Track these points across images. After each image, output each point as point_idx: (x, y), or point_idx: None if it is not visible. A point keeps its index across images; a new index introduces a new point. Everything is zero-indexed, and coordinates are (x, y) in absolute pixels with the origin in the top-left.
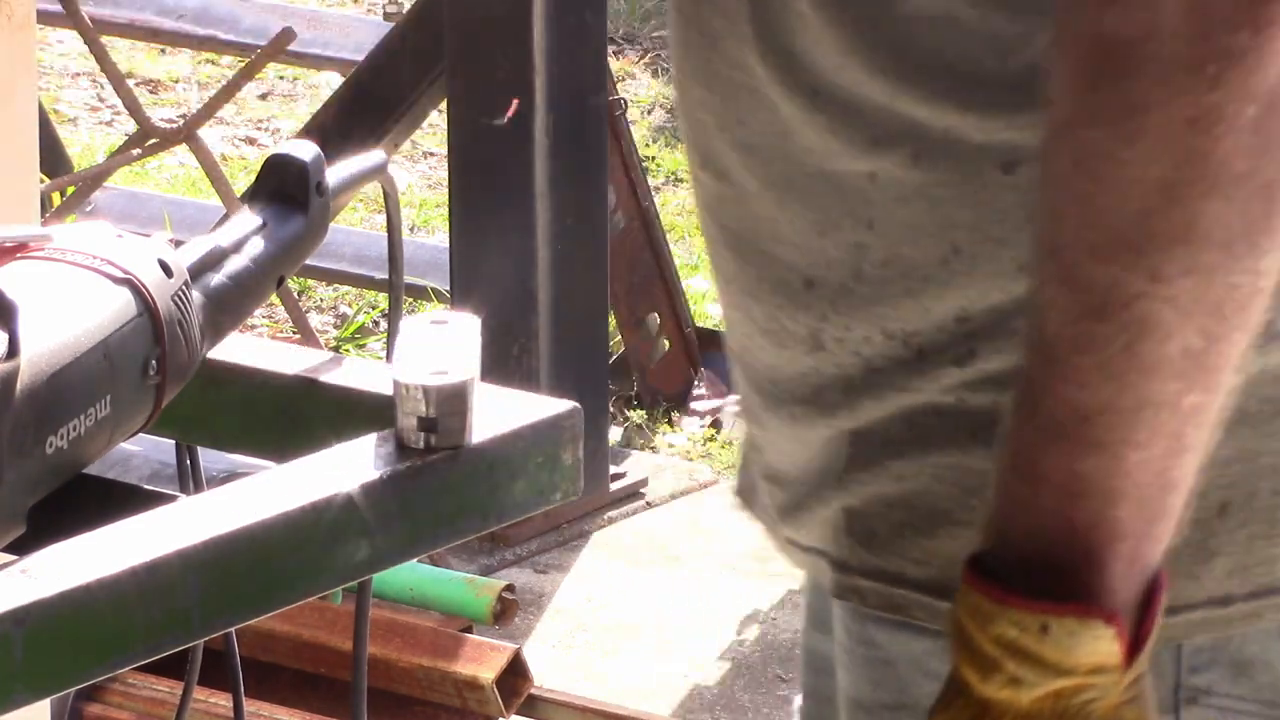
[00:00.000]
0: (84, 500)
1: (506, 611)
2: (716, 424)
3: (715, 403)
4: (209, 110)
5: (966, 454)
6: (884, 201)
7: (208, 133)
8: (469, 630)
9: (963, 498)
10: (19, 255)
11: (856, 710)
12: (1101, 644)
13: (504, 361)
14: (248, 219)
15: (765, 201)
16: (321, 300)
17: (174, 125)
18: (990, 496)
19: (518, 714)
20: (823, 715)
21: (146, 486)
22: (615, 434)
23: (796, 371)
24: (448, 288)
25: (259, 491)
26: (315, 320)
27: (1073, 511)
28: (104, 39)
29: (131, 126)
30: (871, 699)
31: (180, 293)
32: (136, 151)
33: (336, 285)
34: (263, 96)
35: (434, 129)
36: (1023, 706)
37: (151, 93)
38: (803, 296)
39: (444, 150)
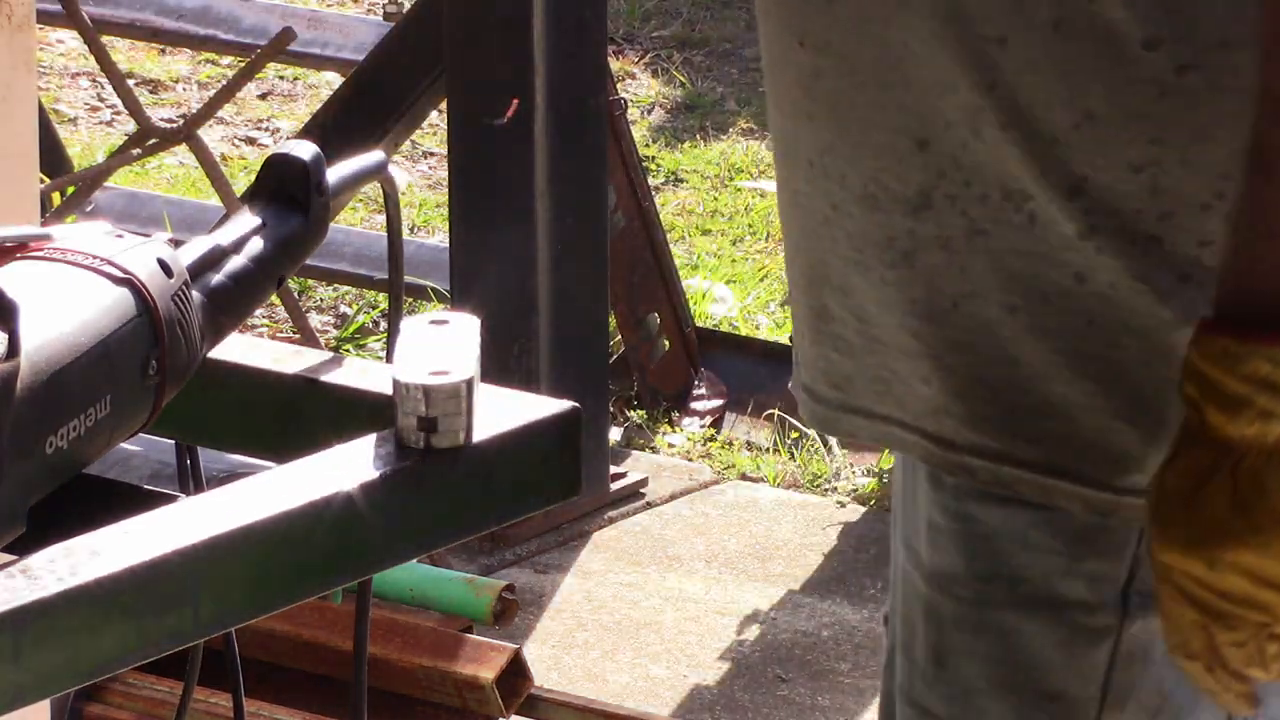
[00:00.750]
0: (84, 500)
1: (506, 611)
2: (716, 424)
3: (715, 403)
4: (209, 110)
5: (1082, 338)
6: (1013, 68)
7: (208, 133)
8: (469, 630)
9: (1075, 380)
10: (19, 255)
11: (949, 583)
12: None
13: (504, 361)
14: (248, 219)
15: (878, 68)
16: (321, 300)
17: (174, 125)
18: (1224, 263)
19: (518, 714)
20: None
21: (146, 486)
22: (615, 434)
23: (885, 235)
24: (448, 288)
25: (259, 491)
26: (315, 320)
27: None
28: (104, 39)
29: (131, 126)
30: (966, 571)
31: (180, 293)
32: (136, 151)
33: (336, 285)
34: (263, 96)
35: (434, 129)
36: (1269, 442)
37: (151, 93)
38: (916, 157)
39: (444, 150)
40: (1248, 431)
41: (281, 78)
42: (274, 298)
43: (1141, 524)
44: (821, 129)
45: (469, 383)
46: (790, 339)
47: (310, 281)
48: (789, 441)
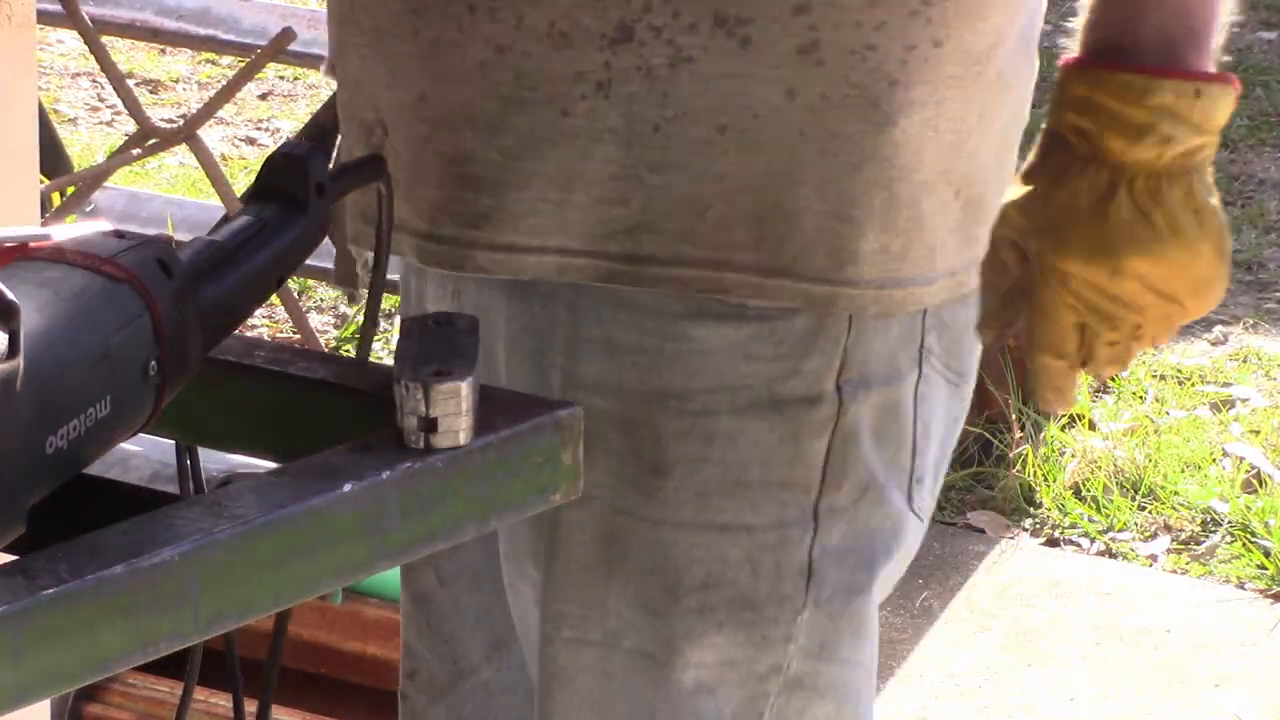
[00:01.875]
0: (84, 500)
1: None
2: None
3: None
4: (209, 110)
5: (793, 149)
6: None
7: (208, 133)
8: None
9: (789, 187)
10: (19, 255)
11: (664, 398)
12: (1227, 107)
13: None
14: (248, 219)
15: None
16: (321, 300)
17: (174, 125)
18: (1101, 12)
19: None
20: None
21: (146, 486)
22: None
23: (574, 71)
24: None
25: (259, 491)
26: (315, 320)
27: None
28: (104, 39)
29: (131, 126)
30: (687, 386)
31: (180, 293)
32: (136, 151)
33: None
34: (263, 96)
35: None
36: (1162, 163)
37: (151, 93)
38: None
39: None
40: (1146, 155)
41: (281, 78)
42: (274, 298)
43: (852, 312)
44: None
45: (469, 383)
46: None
47: (310, 281)
48: None
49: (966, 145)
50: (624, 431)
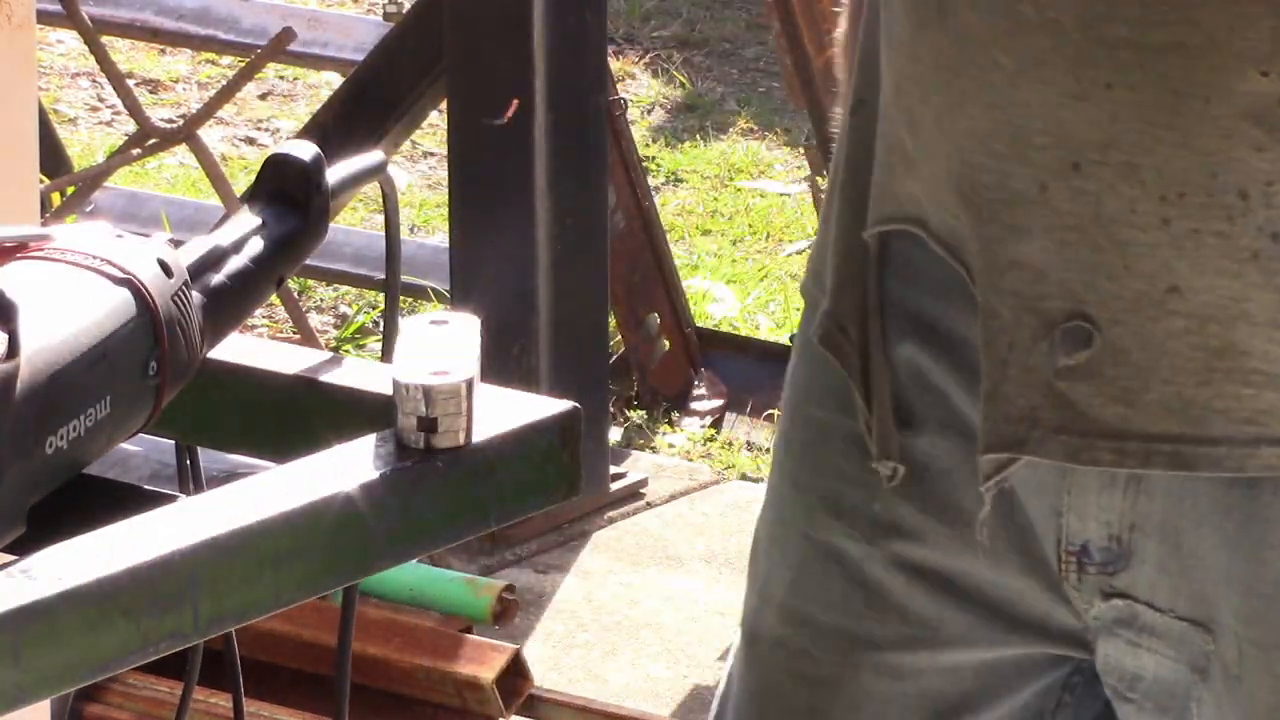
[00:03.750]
0: (84, 500)
1: (506, 611)
2: (716, 424)
3: (715, 403)
4: (209, 110)
5: None
6: None
7: (208, 133)
8: (469, 630)
9: None
10: (19, 255)
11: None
12: None
13: (504, 361)
14: (248, 219)
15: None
16: (321, 300)
17: (174, 125)
18: None
19: (518, 714)
20: None
21: (146, 486)
22: (615, 434)
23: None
24: (448, 288)
25: (259, 491)
26: (315, 320)
27: None
28: (104, 39)
29: (131, 126)
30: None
31: (180, 293)
32: (136, 151)
33: (336, 285)
34: (263, 96)
35: (434, 129)
36: None
37: (151, 93)
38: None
39: (444, 150)
40: None
41: (281, 78)
42: (274, 298)
43: None
44: (1277, 158)
45: (469, 383)
46: (989, 361)
47: (310, 281)
48: None
49: None
50: None
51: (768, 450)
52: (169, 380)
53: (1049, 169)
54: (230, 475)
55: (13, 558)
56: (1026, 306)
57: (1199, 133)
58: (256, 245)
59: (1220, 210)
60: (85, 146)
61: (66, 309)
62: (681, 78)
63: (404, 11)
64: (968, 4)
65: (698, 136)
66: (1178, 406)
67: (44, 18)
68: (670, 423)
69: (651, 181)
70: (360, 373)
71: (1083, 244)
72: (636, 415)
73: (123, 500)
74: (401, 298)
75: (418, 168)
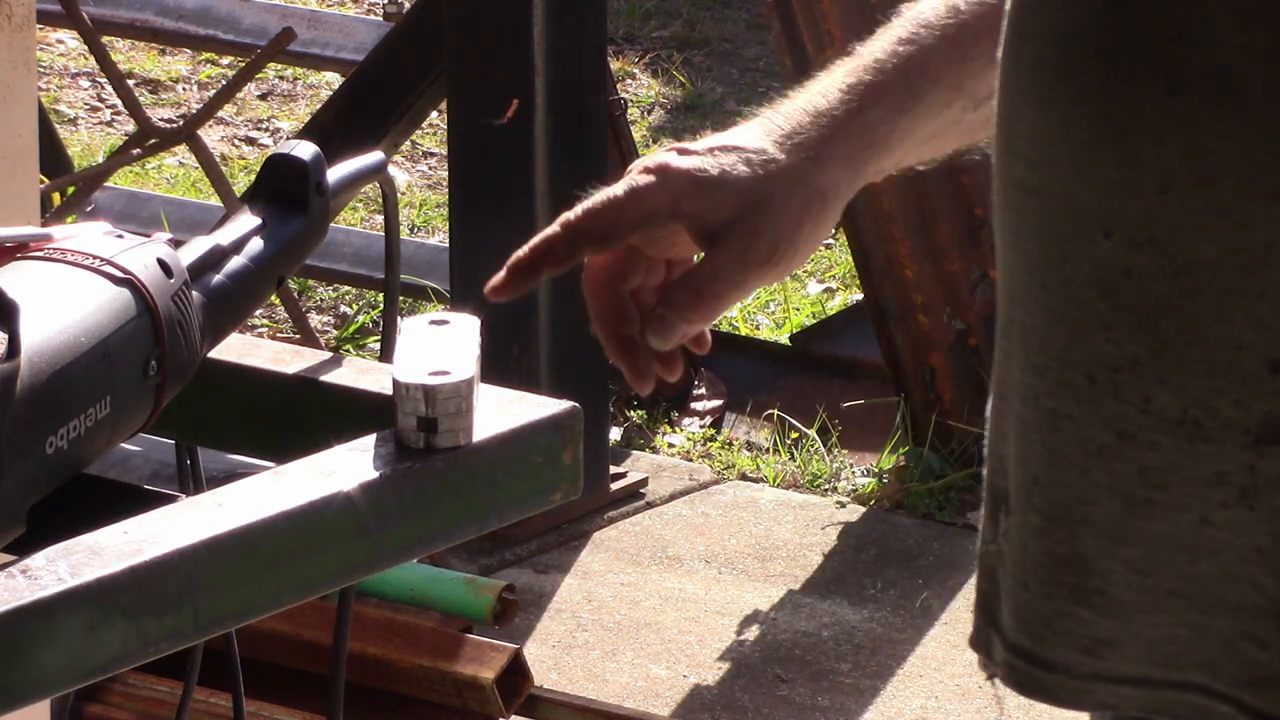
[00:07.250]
0: (84, 500)
1: (506, 611)
2: (716, 424)
3: (715, 403)
4: (209, 110)
5: None
6: None
7: (208, 133)
8: (469, 630)
9: None
10: (19, 255)
11: None
12: None
13: (504, 361)
14: (248, 219)
15: (1225, 273)
16: (321, 300)
17: (174, 125)
18: None
19: (518, 714)
20: None
21: (146, 486)
22: (615, 434)
23: (1212, 471)
24: (448, 288)
25: (259, 491)
26: (315, 320)
27: None
28: (104, 39)
29: (131, 126)
30: None
31: (180, 293)
32: (136, 151)
33: (336, 285)
34: (263, 96)
35: (434, 129)
36: None
37: (151, 93)
38: (1267, 381)
39: (444, 150)
40: None
41: (281, 78)
42: (274, 298)
43: None
44: (1123, 340)
45: (469, 383)
46: (985, 547)
47: (310, 281)
48: (789, 441)
49: None
50: None
51: (767, 450)
52: (169, 380)
53: None
54: (230, 475)
55: (13, 558)
56: None
57: (1059, 296)
58: (256, 245)
59: (1068, 392)
60: (85, 146)
61: (67, 309)
62: (681, 78)
63: (404, 11)
64: None
65: (697, 136)
66: (1028, 617)
67: (44, 18)
68: (670, 423)
69: None
70: (360, 373)
71: (995, 401)
72: (636, 415)
73: (123, 500)
74: (401, 298)
75: (418, 168)
